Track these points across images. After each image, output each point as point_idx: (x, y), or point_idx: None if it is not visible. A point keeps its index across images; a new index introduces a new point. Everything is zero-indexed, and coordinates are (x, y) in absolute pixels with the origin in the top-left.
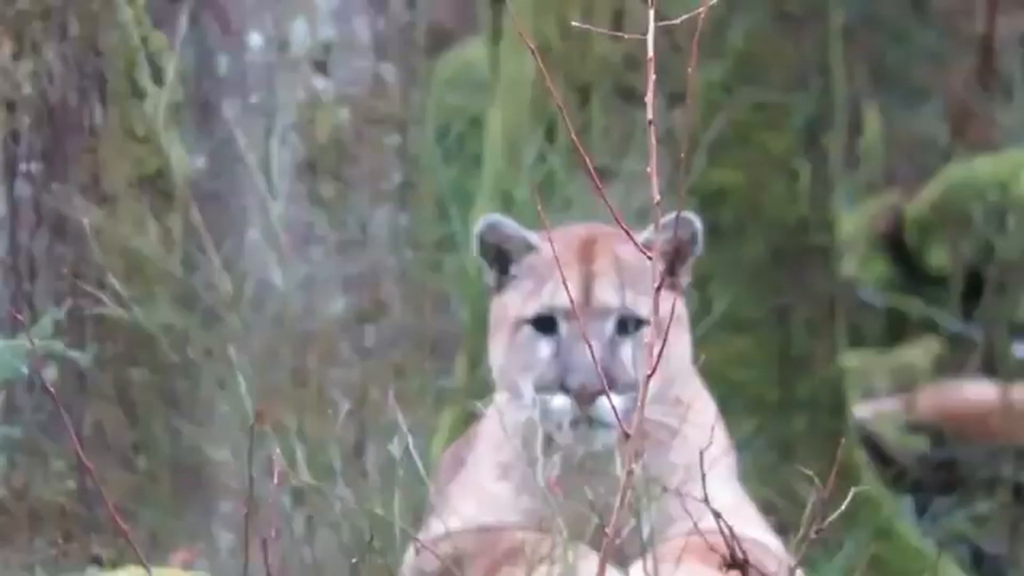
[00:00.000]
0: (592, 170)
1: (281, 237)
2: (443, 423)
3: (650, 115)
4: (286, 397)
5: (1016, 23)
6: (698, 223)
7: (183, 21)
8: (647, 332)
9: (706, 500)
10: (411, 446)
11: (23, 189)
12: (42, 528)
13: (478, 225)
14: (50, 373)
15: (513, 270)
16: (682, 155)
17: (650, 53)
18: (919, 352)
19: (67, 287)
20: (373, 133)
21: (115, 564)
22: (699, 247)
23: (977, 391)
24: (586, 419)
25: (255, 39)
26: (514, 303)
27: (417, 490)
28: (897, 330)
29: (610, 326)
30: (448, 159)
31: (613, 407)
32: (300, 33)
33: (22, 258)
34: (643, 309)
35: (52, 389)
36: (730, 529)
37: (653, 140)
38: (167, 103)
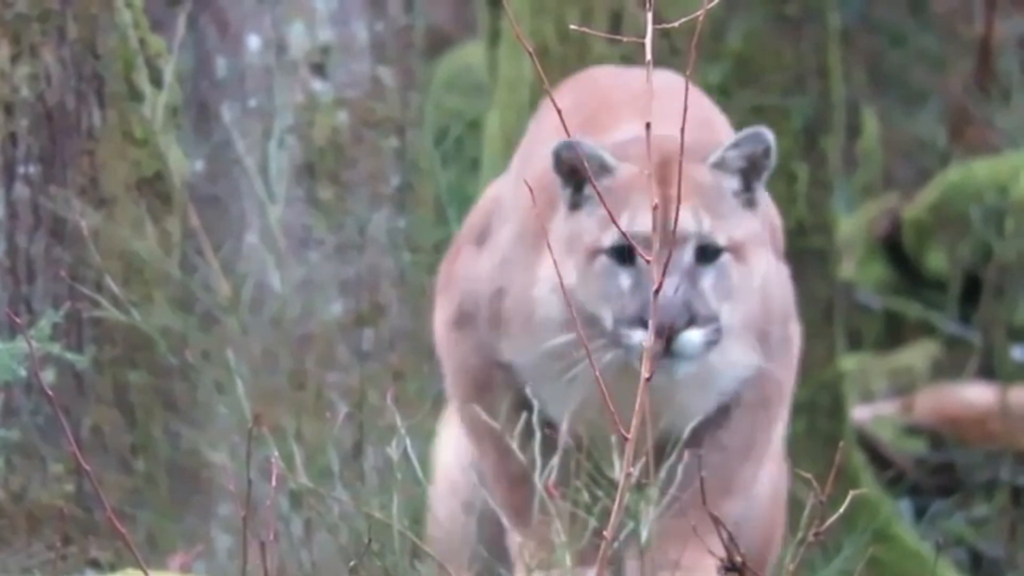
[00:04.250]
0: (590, 172)
1: (279, 240)
2: (441, 426)
3: (649, 117)
4: (284, 400)
5: (1014, 26)
6: (770, 136)
7: (181, 24)
8: (727, 259)
9: (705, 502)
10: (409, 449)
11: (21, 191)
12: (40, 531)
13: (556, 144)
14: (48, 376)
15: (588, 190)
16: (681, 157)
17: (648, 55)
18: (917, 355)
19: (65, 289)
20: (371, 136)
21: (113, 567)
22: (773, 160)
23: (975, 394)
24: (667, 352)
25: (253, 42)
26: (589, 230)
27: (416, 493)
28: (895, 333)
29: (689, 255)
30: (446, 162)
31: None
32: (298, 36)
33: (20, 260)
34: (721, 235)
35: (50, 392)
36: (729, 534)
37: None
38: (165, 106)
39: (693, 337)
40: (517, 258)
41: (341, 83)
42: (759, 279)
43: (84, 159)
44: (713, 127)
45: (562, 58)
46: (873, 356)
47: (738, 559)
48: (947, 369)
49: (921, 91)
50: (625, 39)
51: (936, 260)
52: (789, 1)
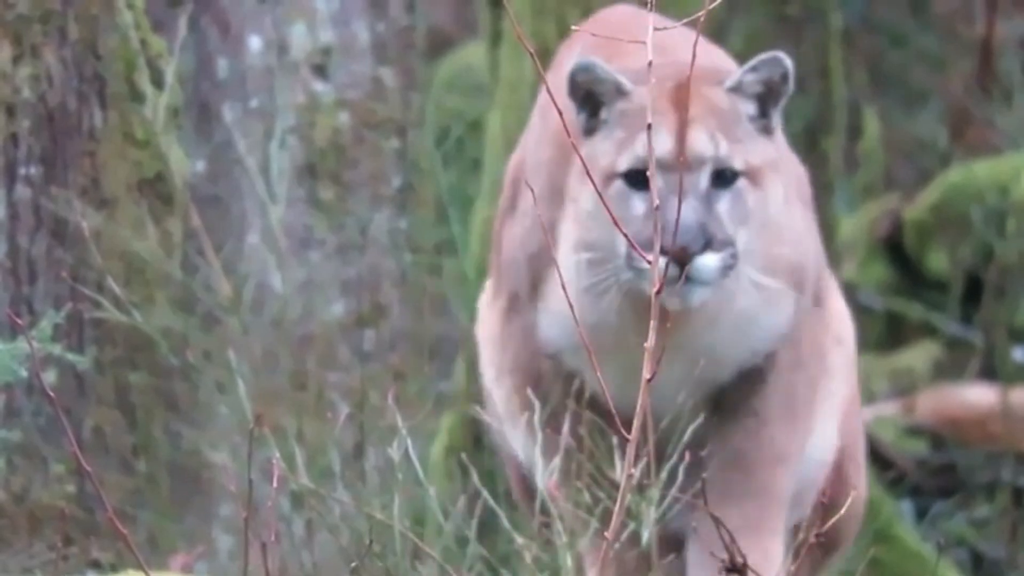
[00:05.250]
0: (590, 173)
1: (280, 240)
2: (442, 426)
3: (649, 119)
4: (285, 400)
5: (1015, 27)
6: (788, 62)
7: (182, 25)
8: (743, 184)
9: (705, 501)
10: (410, 449)
11: (23, 192)
12: (41, 532)
13: (571, 66)
14: (49, 376)
15: (603, 115)
16: (681, 158)
17: (649, 56)
18: (919, 356)
19: (67, 290)
20: (372, 137)
21: (114, 568)
22: (790, 86)
23: (976, 395)
24: (683, 278)
25: (255, 43)
26: (605, 154)
27: (417, 493)
28: (896, 334)
29: (705, 178)
30: (447, 163)
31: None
32: (299, 37)
33: (22, 261)
34: (738, 159)
35: (51, 392)
36: (730, 534)
37: (653, 143)
38: (166, 106)
39: (708, 261)
40: (544, 218)
41: (342, 84)
42: (775, 206)
43: (85, 160)
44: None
45: None
46: (874, 357)
47: (739, 560)
48: (948, 370)
49: (922, 91)
50: (626, 40)
51: (937, 261)
52: (790, 2)
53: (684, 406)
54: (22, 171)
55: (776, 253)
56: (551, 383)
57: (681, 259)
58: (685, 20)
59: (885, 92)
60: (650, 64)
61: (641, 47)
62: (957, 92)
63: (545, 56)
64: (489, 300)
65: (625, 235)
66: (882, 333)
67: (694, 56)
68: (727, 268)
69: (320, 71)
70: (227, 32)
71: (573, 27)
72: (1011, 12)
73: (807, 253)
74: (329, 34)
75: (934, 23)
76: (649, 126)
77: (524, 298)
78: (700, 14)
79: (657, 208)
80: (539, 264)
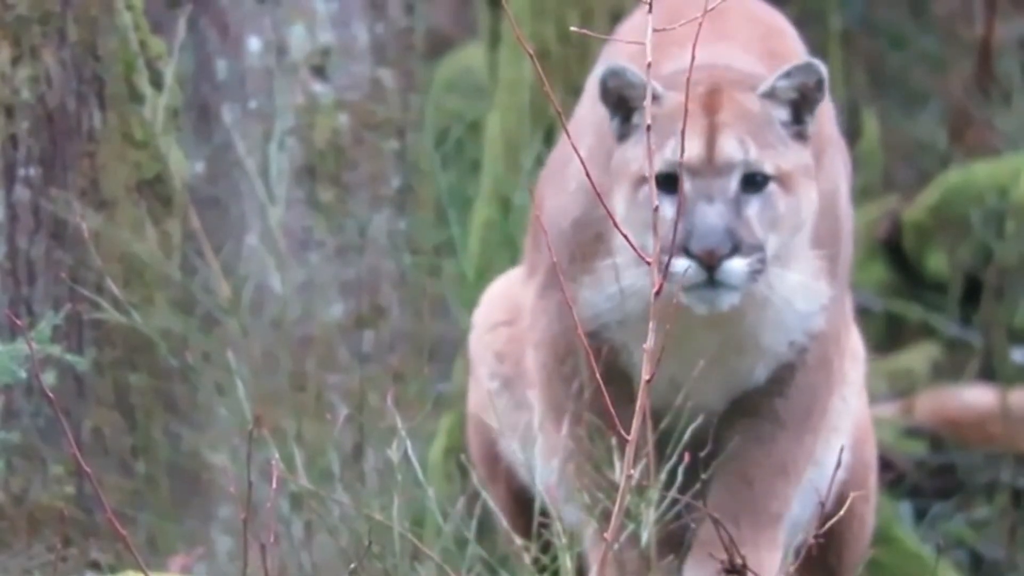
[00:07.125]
0: (588, 174)
1: (280, 242)
2: (441, 428)
3: (648, 119)
4: (285, 402)
5: (1015, 28)
6: (823, 68)
7: (182, 26)
8: (773, 189)
9: (704, 503)
10: (410, 451)
11: (22, 194)
12: (41, 533)
13: (600, 71)
14: (49, 378)
15: (636, 119)
16: (681, 159)
17: (648, 57)
18: (918, 357)
19: (66, 292)
20: (372, 138)
21: (114, 569)
22: (825, 93)
23: (976, 396)
24: (711, 282)
25: (254, 44)
26: (636, 158)
27: (416, 495)
28: (896, 335)
29: (734, 183)
30: (447, 164)
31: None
32: (299, 38)
33: (21, 262)
34: (768, 164)
35: (51, 394)
36: (729, 536)
37: (651, 144)
38: (166, 108)
39: (736, 266)
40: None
41: (341, 85)
42: (807, 211)
43: (85, 161)
44: (782, 45)
45: (563, 60)
46: (873, 358)
47: (738, 560)
48: (947, 371)
49: (921, 93)
50: (625, 41)
51: (936, 262)
52: (789, 3)
53: (717, 404)
54: (21, 172)
55: (829, 254)
56: (581, 359)
57: (708, 263)
58: (685, 20)
59: (885, 93)
60: (649, 65)
61: (692, 33)
62: (956, 93)
63: (544, 57)
64: (523, 279)
65: (625, 236)
66: (881, 334)
67: (693, 58)
68: (755, 273)
69: (319, 72)
70: (226, 33)
71: (572, 28)
72: (1011, 13)
73: (844, 237)
74: (328, 35)
75: (934, 24)
76: (648, 127)
77: (563, 269)
78: (700, 16)
79: (656, 209)
80: (582, 230)
